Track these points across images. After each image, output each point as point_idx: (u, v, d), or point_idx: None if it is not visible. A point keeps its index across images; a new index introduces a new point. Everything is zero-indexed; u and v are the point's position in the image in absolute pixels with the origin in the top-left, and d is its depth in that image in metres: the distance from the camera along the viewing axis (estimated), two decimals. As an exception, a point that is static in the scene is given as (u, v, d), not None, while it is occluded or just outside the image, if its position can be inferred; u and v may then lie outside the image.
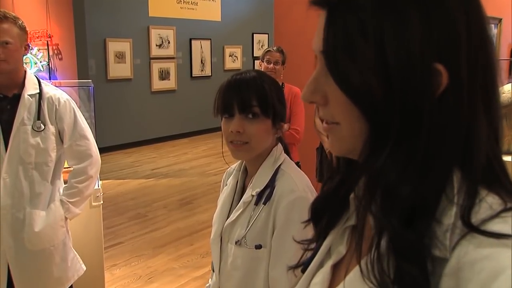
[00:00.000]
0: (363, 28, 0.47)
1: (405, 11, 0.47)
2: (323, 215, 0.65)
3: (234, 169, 1.34)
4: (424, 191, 0.47)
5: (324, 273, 0.63)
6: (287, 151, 1.30)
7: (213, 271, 1.33)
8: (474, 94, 0.48)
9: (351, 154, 0.55)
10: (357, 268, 0.54)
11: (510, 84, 2.60)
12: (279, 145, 1.25)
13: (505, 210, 0.46)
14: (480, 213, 0.46)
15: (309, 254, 0.68)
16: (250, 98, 1.16)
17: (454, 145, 0.48)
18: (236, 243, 1.19)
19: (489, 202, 0.47)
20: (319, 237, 0.66)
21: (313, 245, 0.67)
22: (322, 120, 0.56)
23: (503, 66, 5.22)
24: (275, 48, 3.13)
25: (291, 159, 1.28)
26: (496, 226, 0.44)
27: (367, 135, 0.50)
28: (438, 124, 0.47)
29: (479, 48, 0.49)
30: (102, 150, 2.34)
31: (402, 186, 0.47)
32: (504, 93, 2.66)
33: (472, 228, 0.45)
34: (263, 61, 3.12)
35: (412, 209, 0.47)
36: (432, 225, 0.47)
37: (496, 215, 0.45)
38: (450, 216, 0.46)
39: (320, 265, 0.65)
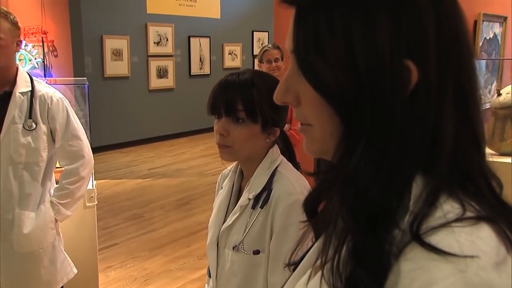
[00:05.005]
0: (332, 27, 0.48)
1: (373, 9, 0.47)
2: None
3: (229, 171, 1.31)
4: (391, 194, 0.47)
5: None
6: (293, 153, 1.28)
7: (209, 276, 1.30)
8: (444, 93, 0.48)
9: (324, 155, 0.54)
10: (320, 272, 0.55)
11: None
12: (275, 146, 1.22)
13: (458, 220, 0.44)
14: (431, 221, 0.45)
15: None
16: (235, 102, 1.13)
17: (421, 146, 0.47)
18: (233, 248, 1.17)
19: (445, 210, 0.45)
20: (318, 234, 0.65)
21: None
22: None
23: (508, 66, 5.14)
24: (271, 46, 3.08)
25: (295, 161, 1.25)
26: (439, 237, 0.43)
27: (340, 135, 0.50)
28: (410, 123, 0.47)
29: (451, 47, 0.48)
30: (98, 149, 2.28)
31: (373, 188, 0.47)
32: (508, 93, 2.59)
33: (413, 237, 0.44)
34: (262, 62, 3.07)
35: (376, 214, 0.47)
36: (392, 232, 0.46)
37: (446, 224, 0.44)
38: (402, 224, 0.46)
39: (310, 264, 0.64)
